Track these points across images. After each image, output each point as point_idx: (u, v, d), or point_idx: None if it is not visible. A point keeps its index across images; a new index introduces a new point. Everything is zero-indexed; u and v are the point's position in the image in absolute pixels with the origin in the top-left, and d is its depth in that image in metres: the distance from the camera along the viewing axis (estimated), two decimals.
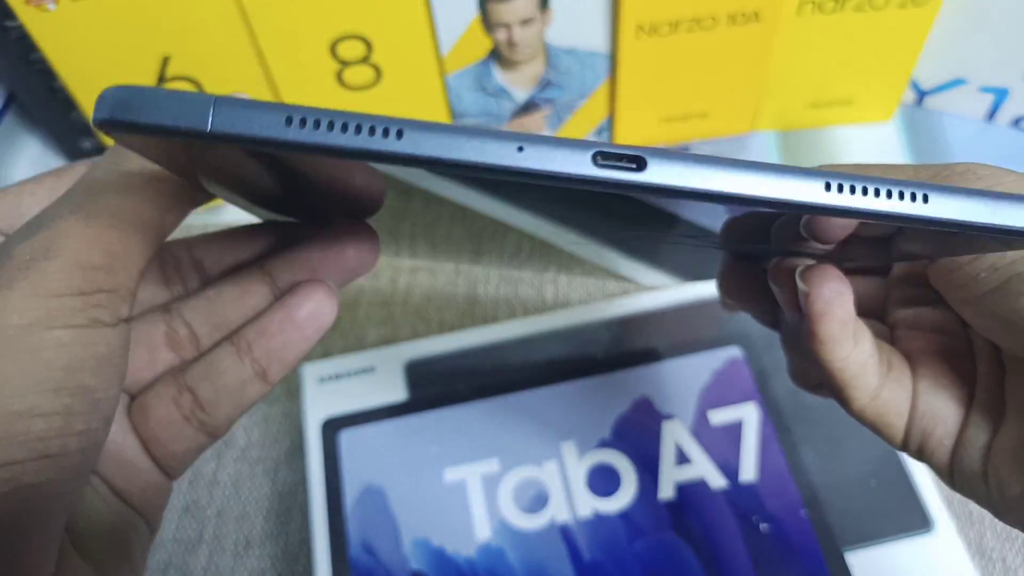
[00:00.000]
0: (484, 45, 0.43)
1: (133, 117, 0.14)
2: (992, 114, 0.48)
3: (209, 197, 0.20)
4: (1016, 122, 0.48)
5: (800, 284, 0.21)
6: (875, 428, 0.22)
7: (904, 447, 0.22)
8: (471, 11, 0.41)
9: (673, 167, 0.14)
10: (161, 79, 0.42)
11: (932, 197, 0.15)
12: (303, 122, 0.14)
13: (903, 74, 0.47)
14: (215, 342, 0.23)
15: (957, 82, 0.48)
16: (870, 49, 0.45)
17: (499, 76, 0.45)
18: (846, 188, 0.15)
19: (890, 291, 0.25)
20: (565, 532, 0.34)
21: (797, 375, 0.26)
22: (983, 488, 0.21)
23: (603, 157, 0.14)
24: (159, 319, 0.22)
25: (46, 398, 0.16)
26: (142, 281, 0.22)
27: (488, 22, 0.42)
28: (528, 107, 0.47)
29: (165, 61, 0.41)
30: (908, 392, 0.22)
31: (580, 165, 0.14)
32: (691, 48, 0.43)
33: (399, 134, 0.14)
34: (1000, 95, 0.47)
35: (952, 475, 0.22)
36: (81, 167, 0.21)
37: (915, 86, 0.49)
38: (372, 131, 0.14)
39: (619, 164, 0.14)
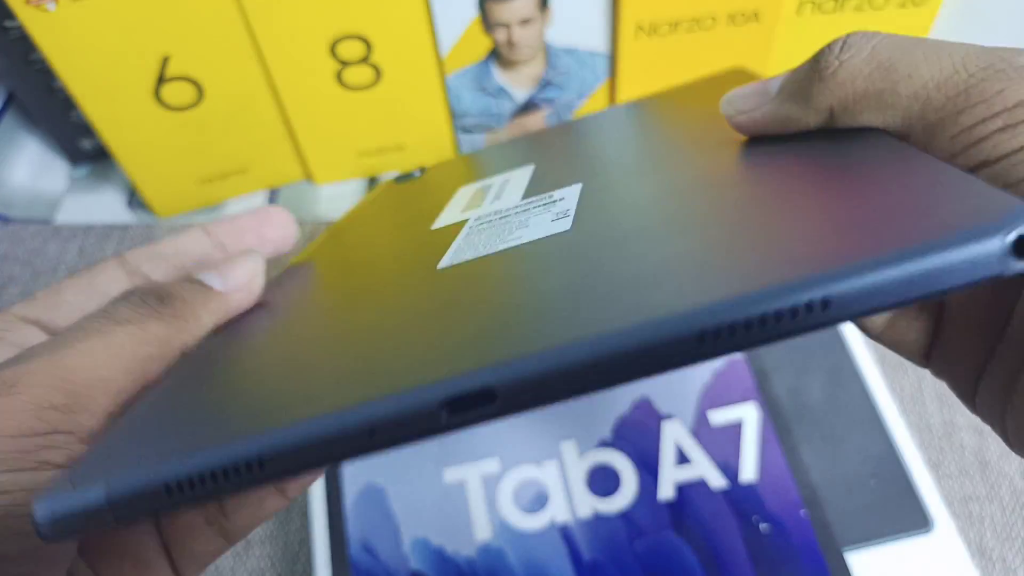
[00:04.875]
0: (484, 45, 0.43)
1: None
2: None
3: None
4: None
5: None
6: (895, 349, 0.21)
7: (926, 366, 0.21)
8: (471, 11, 0.41)
9: (526, 390, 0.13)
10: (161, 79, 0.42)
11: (834, 300, 0.12)
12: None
13: None
14: None
15: None
16: None
17: (499, 76, 0.45)
18: (724, 334, 0.12)
19: None
20: (565, 532, 0.34)
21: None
22: (1000, 424, 0.19)
23: (454, 407, 0.13)
24: None
25: None
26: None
27: (488, 22, 0.42)
28: (528, 107, 0.47)
29: (165, 61, 0.41)
30: (932, 315, 0.20)
31: (432, 422, 0.13)
32: (691, 48, 0.43)
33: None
34: None
35: (975, 404, 0.20)
36: (113, 263, 0.23)
37: None
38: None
39: (472, 412, 0.13)
